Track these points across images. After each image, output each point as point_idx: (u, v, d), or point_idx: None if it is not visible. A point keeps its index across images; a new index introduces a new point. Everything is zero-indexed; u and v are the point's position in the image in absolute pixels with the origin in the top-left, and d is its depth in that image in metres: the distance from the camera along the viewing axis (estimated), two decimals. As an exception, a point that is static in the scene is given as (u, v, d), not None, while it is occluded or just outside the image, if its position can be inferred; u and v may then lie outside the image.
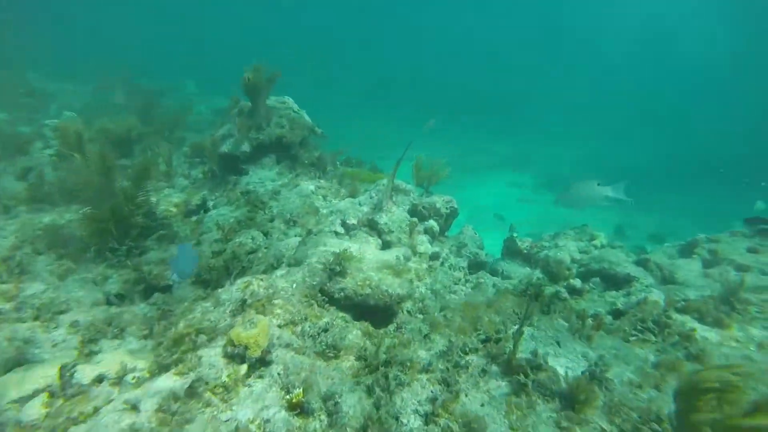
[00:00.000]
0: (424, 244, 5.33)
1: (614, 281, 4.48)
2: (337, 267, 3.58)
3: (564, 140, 27.25)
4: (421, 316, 3.95)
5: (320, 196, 6.10)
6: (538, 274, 5.45)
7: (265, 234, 5.10)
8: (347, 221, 5.00)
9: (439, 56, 49.13)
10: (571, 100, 36.86)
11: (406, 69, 42.92)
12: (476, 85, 39.02)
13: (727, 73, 38.24)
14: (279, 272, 3.70)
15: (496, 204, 17.33)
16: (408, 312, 3.89)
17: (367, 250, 4.28)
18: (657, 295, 3.88)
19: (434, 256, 5.33)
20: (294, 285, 3.47)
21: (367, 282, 3.57)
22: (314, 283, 3.54)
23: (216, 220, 5.21)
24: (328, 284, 3.54)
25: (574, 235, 5.98)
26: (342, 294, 3.49)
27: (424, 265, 4.70)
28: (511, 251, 6.01)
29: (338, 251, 3.75)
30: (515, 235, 6.03)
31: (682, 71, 42.17)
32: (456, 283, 4.79)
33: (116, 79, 14.59)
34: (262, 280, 3.54)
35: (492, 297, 3.60)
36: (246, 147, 6.70)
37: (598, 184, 4.60)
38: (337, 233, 4.92)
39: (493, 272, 5.85)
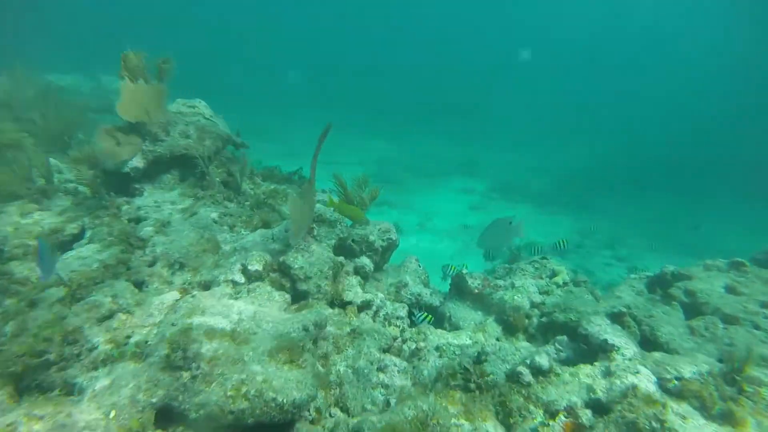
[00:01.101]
0: (353, 289, 4.17)
1: (587, 345, 3.48)
2: (188, 364, 2.36)
3: (516, 145, 26.89)
4: (336, 415, 2.80)
5: (226, 227, 4.81)
6: (492, 323, 4.42)
7: (139, 285, 3.77)
8: (249, 266, 3.76)
9: (390, 58, 48.21)
10: (525, 104, 36.84)
11: (356, 72, 41.76)
12: (428, 89, 38.37)
13: (683, 78, 39.21)
14: (99, 382, 2.42)
15: (449, 211, 16.47)
16: (316, 411, 2.73)
17: (264, 317, 3.07)
18: (645, 378, 2.89)
19: (365, 306, 4.19)
20: (113, 413, 2.22)
21: (245, 387, 2.36)
22: (153, 400, 2.31)
23: (70, 266, 3.82)
24: (179, 398, 2.33)
25: (533, 271, 4.99)
26: (201, 413, 2.28)
27: (347, 329, 3.54)
28: (460, 290, 4.95)
29: (190, 328, 2.53)
30: (465, 270, 4.98)
31: (640, 77, 43.14)
32: (387, 351, 3.66)
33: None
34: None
35: (430, 404, 2.48)
36: (138, 161, 5.30)
37: (510, 223, 4.45)
38: (235, 283, 3.68)
39: (440, 317, 4.79)
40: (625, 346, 3.20)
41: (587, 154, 25.02)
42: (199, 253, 4.18)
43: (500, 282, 4.81)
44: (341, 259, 4.23)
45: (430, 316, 4.24)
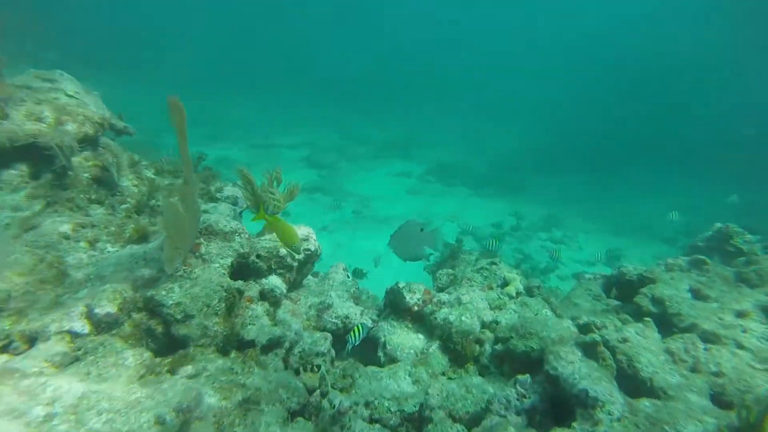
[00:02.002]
0: (257, 322, 3.12)
1: (555, 388, 2.68)
2: None
3: (454, 127, 26.41)
4: None
5: (84, 242, 3.55)
6: (436, 352, 3.55)
7: None
8: (97, 308, 2.59)
9: (327, 37, 46.14)
10: (463, 86, 36.49)
11: (292, 52, 39.57)
12: (366, 70, 37.05)
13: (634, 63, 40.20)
14: None
15: (386, 196, 15.60)
16: None
17: (96, 404, 1.96)
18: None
19: (273, 344, 3.15)
20: None
21: None
22: None
23: None
24: None
25: (482, 280, 4.17)
26: None
27: (238, 395, 2.49)
28: (396, 307, 4.03)
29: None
30: (400, 286, 4.05)
31: (570, 60, 43.91)
32: (299, 414, 2.67)
33: None
34: None
35: None
36: (-40, 154, 3.86)
37: (422, 230, 3.80)
38: (74, 335, 2.51)
39: (374, 342, 3.85)
40: (610, 398, 2.41)
41: (522, 136, 25.04)
42: (32, 285, 2.93)
43: (444, 297, 3.94)
44: (239, 284, 3.15)
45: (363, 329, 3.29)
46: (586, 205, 16.37)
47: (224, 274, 3.11)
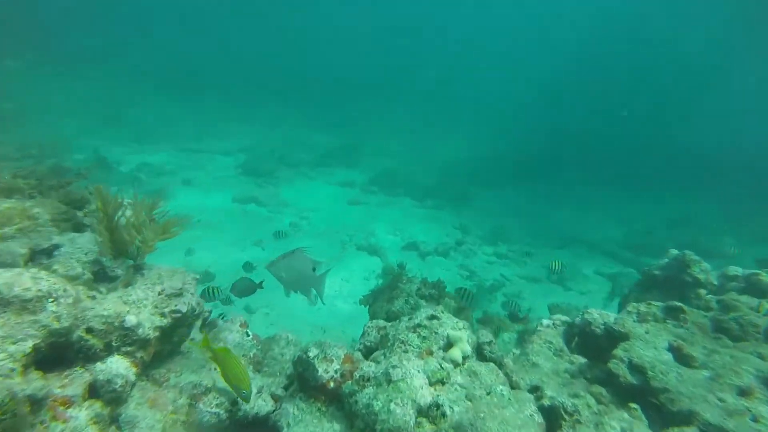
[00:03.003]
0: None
1: None
2: None
3: (400, 135, 25.64)
4: None
5: None
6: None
7: None
8: None
9: (269, 38, 44.26)
10: (410, 93, 35.87)
11: (231, 53, 37.49)
12: (308, 73, 35.68)
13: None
14: None
15: (326, 208, 14.48)
16: None
17: None
18: None
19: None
20: None
21: None
22: None
23: None
24: None
25: (419, 343, 3.17)
26: None
27: None
28: (305, 383, 2.96)
29: None
30: (310, 355, 2.98)
31: (520, 69, 44.40)
32: None
33: None
34: None
35: None
36: None
37: (314, 269, 3.14)
38: None
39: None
40: None
41: (469, 147, 24.69)
42: None
43: (370, 369, 2.91)
44: (35, 386, 1.97)
45: None
46: (529, 219, 16.03)
47: (11, 371, 1.92)
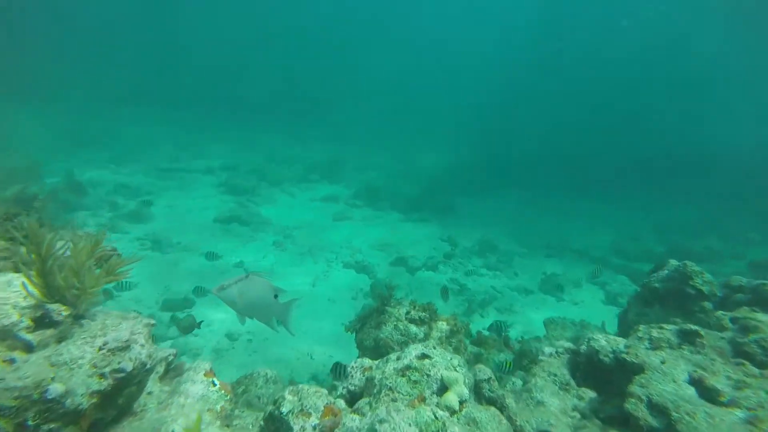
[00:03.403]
0: None
1: None
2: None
3: (383, 148, 25.37)
4: None
5: None
6: None
7: None
8: None
9: (249, 52, 43.89)
10: (392, 105, 35.75)
11: (210, 69, 37.04)
12: (290, 87, 35.35)
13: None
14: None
15: (310, 224, 14.03)
16: None
17: None
18: None
19: None
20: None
21: None
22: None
23: None
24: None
25: (409, 389, 2.74)
26: None
27: None
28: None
29: None
30: (283, 410, 2.55)
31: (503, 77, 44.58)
32: None
33: None
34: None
35: None
36: None
37: (276, 296, 2.80)
38: None
39: None
40: None
41: (452, 156, 24.49)
42: None
43: (354, 424, 2.48)
44: None
45: None
46: (516, 227, 15.76)
47: None
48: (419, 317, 5.36)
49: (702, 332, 3.15)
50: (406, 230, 14.41)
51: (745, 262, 13.28)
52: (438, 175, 20.33)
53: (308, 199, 16.59)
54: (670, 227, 16.44)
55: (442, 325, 5.52)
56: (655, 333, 3.21)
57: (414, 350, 2.97)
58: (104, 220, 12.04)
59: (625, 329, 5.46)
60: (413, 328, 5.27)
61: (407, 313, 5.46)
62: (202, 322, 4.31)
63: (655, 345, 3.15)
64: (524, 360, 5.91)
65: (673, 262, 5.41)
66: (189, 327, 4.38)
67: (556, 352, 3.55)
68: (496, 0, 45.64)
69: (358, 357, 5.46)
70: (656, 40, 35.32)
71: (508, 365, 4.26)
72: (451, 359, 2.98)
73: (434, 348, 3.02)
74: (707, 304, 5.00)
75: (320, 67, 44.50)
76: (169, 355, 3.27)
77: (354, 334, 5.86)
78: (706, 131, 30.02)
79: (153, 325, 2.65)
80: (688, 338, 3.15)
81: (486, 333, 6.76)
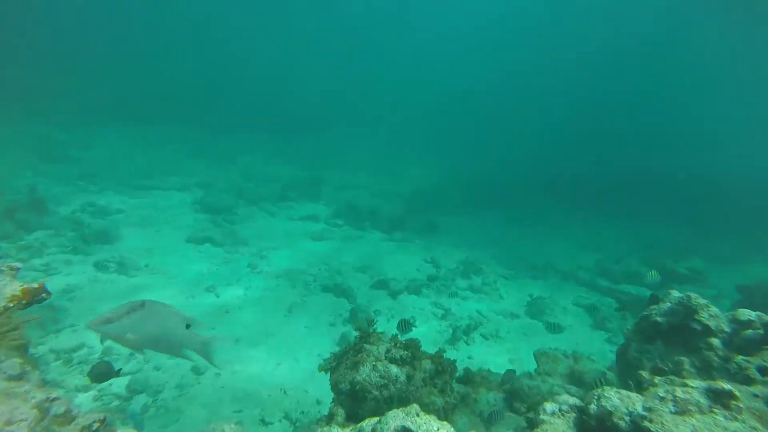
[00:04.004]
0: None
1: None
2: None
3: (365, 166, 24.91)
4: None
5: None
6: None
7: None
8: None
9: (225, 66, 43.25)
10: (373, 122, 35.47)
11: (187, 82, 36.30)
12: (267, 103, 34.80)
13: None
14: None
15: (288, 245, 13.38)
16: None
17: None
18: None
19: None
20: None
21: None
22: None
23: None
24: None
25: None
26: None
27: None
28: None
29: None
30: None
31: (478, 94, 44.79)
32: None
33: None
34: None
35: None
36: None
37: (188, 326, 2.42)
38: None
39: None
40: None
41: (436, 174, 24.17)
42: None
43: None
44: None
45: None
46: (501, 247, 15.36)
47: None
48: (400, 356, 4.78)
49: (736, 393, 2.65)
50: (387, 250, 13.87)
51: (729, 282, 13.08)
52: (422, 194, 19.92)
53: (287, 218, 15.95)
54: (656, 247, 16.25)
55: (426, 365, 4.96)
56: (680, 393, 2.69)
57: (393, 421, 2.39)
58: (66, 241, 11.20)
59: (625, 367, 4.97)
60: (394, 369, 4.68)
61: (387, 351, 4.88)
62: (120, 369, 3.64)
63: (681, 408, 2.63)
64: (516, 402, 5.36)
65: (675, 294, 4.96)
66: (102, 375, 3.68)
67: (560, 410, 3.01)
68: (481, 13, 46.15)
69: (332, 403, 4.81)
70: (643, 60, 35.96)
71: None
72: (438, 430, 2.41)
73: (417, 416, 2.45)
74: (715, 341, 4.55)
75: (304, 85, 44.13)
76: (93, 422, 2.62)
77: (328, 376, 5.25)
78: (694, 152, 30.49)
79: (55, 399, 2.03)
80: (719, 400, 2.65)
81: (473, 370, 6.20)
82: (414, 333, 9.64)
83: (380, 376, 4.64)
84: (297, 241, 13.76)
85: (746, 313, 4.75)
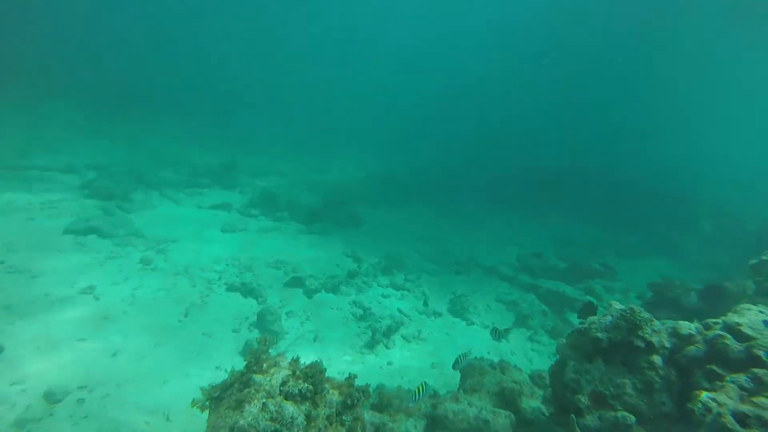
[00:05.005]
0: None
1: None
2: None
3: (284, 152, 23.23)
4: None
5: None
6: None
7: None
8: None
9: (139, 41, 38.95)
10: (293, 105, 33.56)
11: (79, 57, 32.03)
12: (178, 80, 31.65)
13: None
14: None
15: (192, 237, 11.68)
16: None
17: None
18: None
19: None
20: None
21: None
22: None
23: None
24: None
25: None
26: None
27: None
28: None
29: None
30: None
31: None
32: None
33: None
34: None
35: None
36: None
37: None
38: None
39: None
40: None
41: (360, 165, 23.12)
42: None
43: None
44: None
45: None
46: (423, 241, 14.75)
47: None
48: (299, 390, 3.70)
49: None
50: (305, 243, 12.65)
51: (634, 275, 13.53)
52: (346, 185, 18.82)
53: (195, 206, 14.10)
54: (573, 243, 16.57)
55: (333, 397, 3.93)
56: None
57: None
58: None
59: (561, 390, 4.28)
60: (290, 408, 3.60)
61: (283, 383, 3.78)
62: None
63: None
64: (439, 431, 4.52)
65: (617, 306, 4.36)
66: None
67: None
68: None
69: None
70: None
71: None
72: None
73: None
74: (656, 359, 4.02)
75: (227, 68, 40.89)
76: None
77: (207, 411, 4.05)
78: (609, 154, 32.16)
79: None
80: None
81: (388, 388, 5.29)
82: (329, 338, 8.60)
83: (271, 419, 3.54)
84: (204, 232, 12.09)
85: (686, 327, 4.28)
